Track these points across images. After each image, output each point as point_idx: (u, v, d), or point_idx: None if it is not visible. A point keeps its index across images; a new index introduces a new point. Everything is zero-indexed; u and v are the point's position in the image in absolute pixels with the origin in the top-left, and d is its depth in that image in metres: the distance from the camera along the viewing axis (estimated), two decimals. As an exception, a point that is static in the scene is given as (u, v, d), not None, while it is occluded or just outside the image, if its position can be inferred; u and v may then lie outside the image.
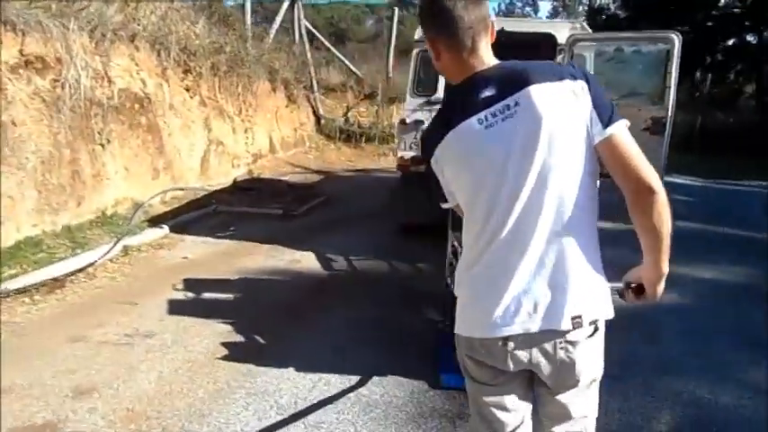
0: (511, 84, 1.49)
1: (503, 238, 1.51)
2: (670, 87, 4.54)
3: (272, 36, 13.05)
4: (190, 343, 3.78)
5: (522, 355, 1.54)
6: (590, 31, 5.40)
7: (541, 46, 6.03)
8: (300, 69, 13.51)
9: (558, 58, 5.43)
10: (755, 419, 3.08)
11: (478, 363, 1.63)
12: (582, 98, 1.48)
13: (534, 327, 1.50)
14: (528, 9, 61.53)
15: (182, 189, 7.96)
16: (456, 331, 1.67)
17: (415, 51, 5.59)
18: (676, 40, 4.54)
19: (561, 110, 1.47)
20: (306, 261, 5.65)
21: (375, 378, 3.38)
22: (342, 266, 5.54)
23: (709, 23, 19.41)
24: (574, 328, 1.50)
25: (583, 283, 1.52)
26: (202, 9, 10.07)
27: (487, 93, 1.50)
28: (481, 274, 1.57)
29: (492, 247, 1.53)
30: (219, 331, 3.97)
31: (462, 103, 1.54)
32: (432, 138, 1.61)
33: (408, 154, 5.66)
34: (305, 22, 14.58)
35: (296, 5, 14.59)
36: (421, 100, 5.61)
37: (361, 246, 6.15)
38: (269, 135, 11.41)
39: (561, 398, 1.63)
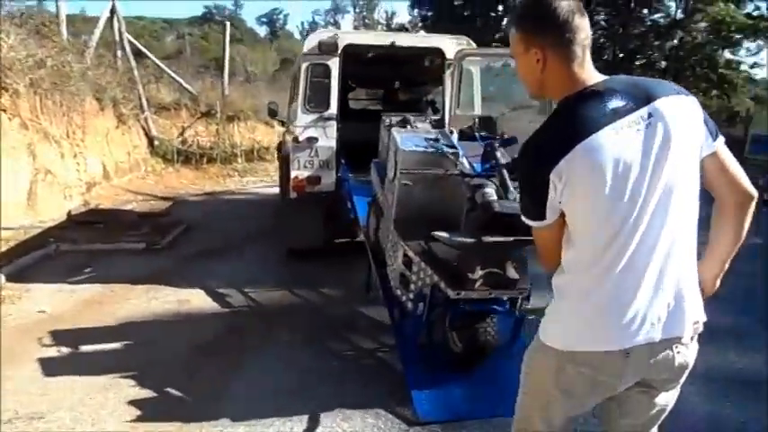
0: (639, 95, 1.47)
1: (631, 252, 1.47)
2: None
3: (92, 50, 11.62)
4: (97, 417, 3.06)
5: (642, 365, 1.53)
6: (475, 45, 5.57)
7: (430, 60, 6.15)
8: (128, 87, 12.24)
9: (447, 72, 5.54)
10: None
11: (581, 375, 1.55)
12: (698, 113, 1.52)
13: (658, 336, 1.50)
14: (331, 27, 63.77)
15: (9, 229, 6.64)
16: (558, 346, 1.59)
17: (304, 65, 5.25)
18: (559, 55, 4.87)
19: (686, 123, 1.49)
20: (197, 300, 5.00)
21: (335, 414, 3.06)
22: (240, 302, 5.00)
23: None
24: (693, 333, 1.57)
25: (695, 289, 1.57)
26: (12, 17, 8.59)
27: (617, 104, 1.46)
28: (605, 287, 1.50)
29: (620, 262, 1.47)
30: (128, 395, 3.29)
31: (588, 113, 1.46)
32: (554, 149, 1.47)
33: (303, 173, 5.30)
34: (128, 36, 13.26)
35: (115, 17, 13.22)
36: (314, 116, 5.29)
37: (251, 276, 5.63)
38: (101, 160, 10.10)
39: (662, 397, 1.64)
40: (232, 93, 15.43)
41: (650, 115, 1.44)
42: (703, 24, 22.24)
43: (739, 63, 24.20)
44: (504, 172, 3.08)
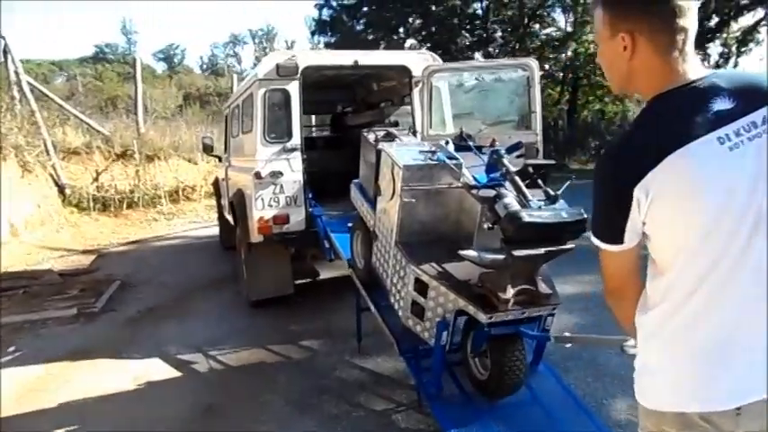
0: (754, 95, 1.21)
1: (735, 285, 1.21)
2: (536, 112, 4.58)
3: (-15, 94, 10.40)
4: None
5: (758, 422, 1.25)
6: (441, 61, 5.22)
7: (397, 77, 5.74)
8: (30, 132, 11.04)
9: (416, 89, 5.14)
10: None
11: None
12: None
13: None
14: (231, 60, 63.02)
15: None
16: (662, 408, 1.31)
17: (260, 92, 4.64)
18: (534, 66, 4.61)
19: None
20: (156, 372, 4.23)
21: None
22: (209, 368, 4.28)
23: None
24: None
25: None
26: None
27: (723, 105, 1.19)
28: (705, 328, 1.24)
29: (715, 303, 1.22)
30: None
31: (685, 117, 1.20)
32: (640, 159, 1.21)
33: (268, 213, 4.67)
34: (27, 78, 12.05)
35: (9, 57, 12.01)
36: (275, 148, 4.69)
37: (213, 335, 4.92)
38: (8, 216, 8.91)
39: None
40: (148, 131, 14.39)
41: (765, 120, 1.18)
42: (593, 35, 23.53)
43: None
44: (518, 179, 2.73)
